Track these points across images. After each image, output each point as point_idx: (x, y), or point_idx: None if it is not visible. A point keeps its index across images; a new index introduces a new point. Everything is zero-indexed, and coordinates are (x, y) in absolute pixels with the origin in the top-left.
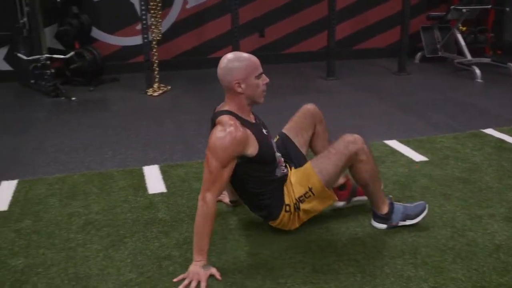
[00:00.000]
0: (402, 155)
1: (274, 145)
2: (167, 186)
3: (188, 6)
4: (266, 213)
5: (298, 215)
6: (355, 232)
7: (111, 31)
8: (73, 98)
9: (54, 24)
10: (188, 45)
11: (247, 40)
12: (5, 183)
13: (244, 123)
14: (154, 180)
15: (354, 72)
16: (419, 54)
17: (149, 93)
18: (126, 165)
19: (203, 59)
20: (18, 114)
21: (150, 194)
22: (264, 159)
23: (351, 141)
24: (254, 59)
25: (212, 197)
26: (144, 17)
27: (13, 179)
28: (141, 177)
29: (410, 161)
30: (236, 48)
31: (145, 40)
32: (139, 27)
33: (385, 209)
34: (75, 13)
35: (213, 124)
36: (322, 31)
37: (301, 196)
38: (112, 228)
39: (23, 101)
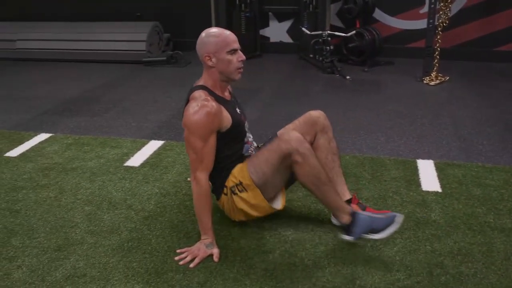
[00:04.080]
0: None
1: (247, 126)
2: (442, 186)
3: None
4: (214, 188)
5: (236, 206)
6: None
7: (393, 13)
8: (348, 77)
9: (339, 2)
10: (473, 35)
11: None
12: None
13: (218, 99)
14: (428, 176)
15: None
16: None
17: (425, 81)
18: (399, 154)
19: (488, 52)
20: (296, 85)
21: (424, 191)
22: (235, 135)
23: (283, 140)
24: (227, 35)
25: (203, 175)
26: (433, 0)
27: None
28: (414, 170)
29: None
30: None
31: (430, 25)
32: (422, 11)
33: (344, 218)
34: None
35: (188, 100)
36: None
37: (233, 187)
38: None
39: (300, 73)
